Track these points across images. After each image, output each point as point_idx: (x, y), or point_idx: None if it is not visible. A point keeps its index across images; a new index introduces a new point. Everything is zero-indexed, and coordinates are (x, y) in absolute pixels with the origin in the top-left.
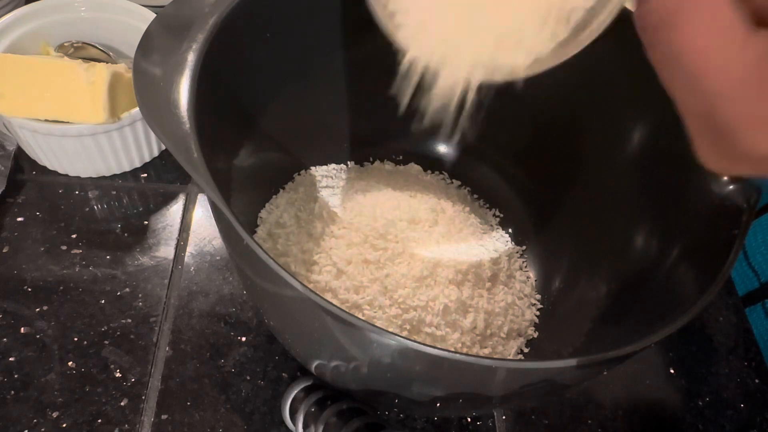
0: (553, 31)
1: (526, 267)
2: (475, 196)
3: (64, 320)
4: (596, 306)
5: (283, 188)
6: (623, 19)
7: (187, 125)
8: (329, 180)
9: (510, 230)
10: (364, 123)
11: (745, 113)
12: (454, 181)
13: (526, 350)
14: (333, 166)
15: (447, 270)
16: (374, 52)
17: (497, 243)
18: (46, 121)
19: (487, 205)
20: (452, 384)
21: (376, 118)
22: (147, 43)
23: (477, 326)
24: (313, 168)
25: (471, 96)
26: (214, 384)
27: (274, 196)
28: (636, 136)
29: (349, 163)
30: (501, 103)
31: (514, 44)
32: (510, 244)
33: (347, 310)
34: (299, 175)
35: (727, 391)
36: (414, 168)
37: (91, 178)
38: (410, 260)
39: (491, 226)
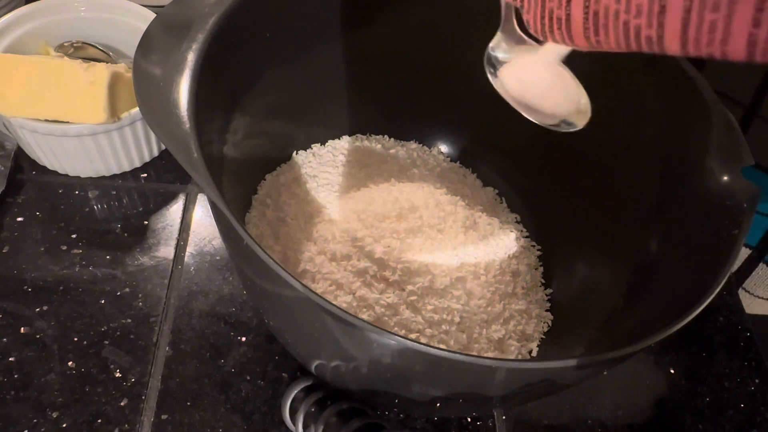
0: None
1: (535, 270)
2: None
3: (64, 320)
4: (599, 308)
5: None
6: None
7: (187, 125)
8: (328, 175)
9: (511, 231)
10: (363, 121)
11: None
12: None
13: (534, 354)
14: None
15: (453, 274)
16: (373, 50)
17: (500, 245)
18: (46, 121)
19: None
20: (452, 384)
21: (375, 116)
22: (147, 43)
23: (489, 336)
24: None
25: None
26: (214, 384)
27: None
28: (637, 137)
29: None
30: (502, 103)
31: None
32: (515, 247)
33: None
34: (286, 164)
35: (727, 391)
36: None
37: (91, 178)
38: (418, 270)
39: (492, 226)
